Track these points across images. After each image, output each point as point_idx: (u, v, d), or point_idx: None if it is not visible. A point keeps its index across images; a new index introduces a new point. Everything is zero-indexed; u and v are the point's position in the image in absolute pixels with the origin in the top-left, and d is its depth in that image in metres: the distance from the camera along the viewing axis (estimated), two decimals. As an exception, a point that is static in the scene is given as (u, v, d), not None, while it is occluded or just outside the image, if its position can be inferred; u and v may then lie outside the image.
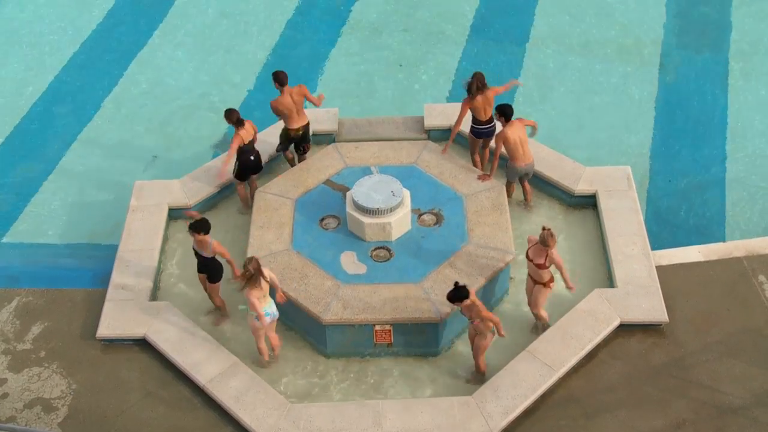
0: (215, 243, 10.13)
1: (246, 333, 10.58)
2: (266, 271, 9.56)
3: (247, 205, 11.94)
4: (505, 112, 11.08)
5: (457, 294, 9.36)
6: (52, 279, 11.42)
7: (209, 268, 10.33)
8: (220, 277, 10.43)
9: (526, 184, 11.73)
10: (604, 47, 15.40)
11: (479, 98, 11.43)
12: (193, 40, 15.92)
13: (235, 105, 14.48)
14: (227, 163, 11.62)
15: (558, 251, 11.32)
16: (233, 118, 11.28)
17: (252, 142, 11.48)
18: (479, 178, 11.53)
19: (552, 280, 10.07)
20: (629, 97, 14.42)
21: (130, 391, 9.99)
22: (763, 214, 12.33)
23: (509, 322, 10.55)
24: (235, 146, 11.31)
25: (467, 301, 9.38)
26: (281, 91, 11.55)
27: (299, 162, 12.17)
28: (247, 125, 11.37)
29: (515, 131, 11.06)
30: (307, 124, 11.93)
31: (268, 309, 9.65)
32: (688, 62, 15.01)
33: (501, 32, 15.81)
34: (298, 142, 12.02)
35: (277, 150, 12.08)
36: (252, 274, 9.37)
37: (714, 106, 14.13)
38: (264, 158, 11.99)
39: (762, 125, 13.75)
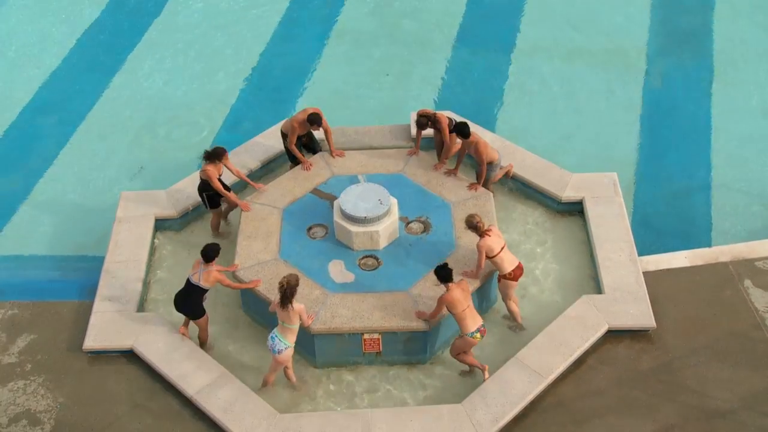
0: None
1: (235, 343, 10.54)
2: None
3: (218, 229, 11.85)
4: (461, 131, 11.34)
5: (440, 271, 9.64)
6: (38, 291, 11.34)
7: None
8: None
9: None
10: (589, 55, 15.48)
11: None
12: (179, 50, 15.90)
13: (221, 115, 14.51)
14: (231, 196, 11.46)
15: (546, 257, 11.41)
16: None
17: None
18: (469, 187, 11.55)
19: (511, 274, 10.19)
20: (615, 104, 14.50)
21: (118, 403, 9.92)
22: (748, 219, 12.41)
23: (498, 329, 10.58)
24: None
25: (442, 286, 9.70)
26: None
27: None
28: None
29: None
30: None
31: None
32: (672, 69, 15.12)
33: (487, 40, 15.88)
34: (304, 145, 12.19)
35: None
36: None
37: (698, 112, 14.23)
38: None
39: (745, 131, 13.85)
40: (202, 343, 10.44)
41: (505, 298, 10.45)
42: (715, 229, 12.28)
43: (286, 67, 15.24)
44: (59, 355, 10.46)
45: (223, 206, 11.74)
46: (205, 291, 10.05)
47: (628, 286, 10.66)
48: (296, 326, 9.51)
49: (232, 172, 11.45)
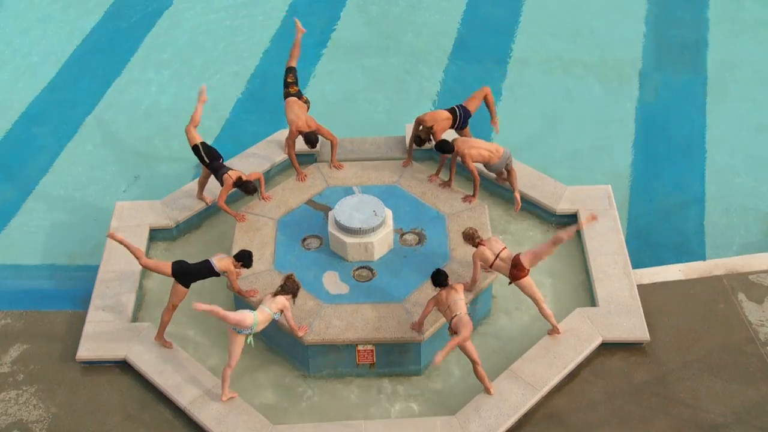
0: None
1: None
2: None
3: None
4: (442, 149, 11.50)
5: (436, 277, 9.69)
6: (31, 301, 11.31)
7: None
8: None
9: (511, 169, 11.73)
10: (584, 67, 15.54)
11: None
12: (174, 60, 15.92)
13: (217, 125, 14.51)
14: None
15: (539, 270, 11.43)
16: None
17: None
18: (463, 199, 11.58)
19: (522, 271, 10.02)
20: (609, 117, 14.55)
21: (110, 413, 9.89)
22: (742, 233, 12.44)
23: (491, 342, 10.57)
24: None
25: (437, 290, 9.73)
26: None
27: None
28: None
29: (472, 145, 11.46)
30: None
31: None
32: (667, 82, 15.18)
33: (483, 52, 15.93)
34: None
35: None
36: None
37: (692, 125, 14.28)
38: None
39: (740, 144, 13.90)
40: (165, 315, 10.07)
41: (535, 301, 10.20)
42: (709, 243, 12.31)
43: (282, 78, 15.23)
44: (52, 365, 10.43)
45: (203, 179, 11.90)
46: (210, 273, 9.95)
47: (622, 299, 10.68)
48: (274, 314, 9.52)
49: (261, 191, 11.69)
